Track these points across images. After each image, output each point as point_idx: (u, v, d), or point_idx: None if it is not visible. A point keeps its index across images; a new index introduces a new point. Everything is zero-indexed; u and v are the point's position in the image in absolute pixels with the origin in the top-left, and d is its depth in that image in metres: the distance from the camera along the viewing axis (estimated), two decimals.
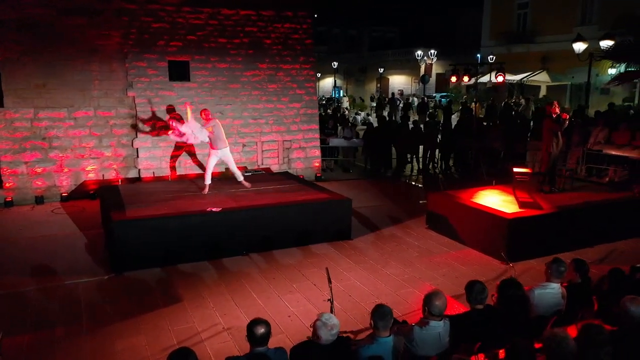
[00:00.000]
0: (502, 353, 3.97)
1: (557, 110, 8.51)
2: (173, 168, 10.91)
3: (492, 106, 19.60)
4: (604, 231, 8.05)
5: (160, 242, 6.96)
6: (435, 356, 3.78)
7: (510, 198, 8.35)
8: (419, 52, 29.60)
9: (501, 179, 10.09)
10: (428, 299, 3.81)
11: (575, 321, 4.33)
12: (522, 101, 22.15)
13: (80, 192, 10.34)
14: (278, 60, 11.65)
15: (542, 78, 27.61)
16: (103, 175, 10.46)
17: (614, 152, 11.75)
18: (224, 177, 9.97)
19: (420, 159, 13.86)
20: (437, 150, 14.15)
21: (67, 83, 10.06)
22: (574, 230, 7.75)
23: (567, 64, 27.70)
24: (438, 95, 34.40)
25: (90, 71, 10.18)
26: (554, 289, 4.41)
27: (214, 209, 7.35)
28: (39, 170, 10.11)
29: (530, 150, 12.68)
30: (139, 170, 10.70)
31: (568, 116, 8.59)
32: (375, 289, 6.42)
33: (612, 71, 25.78)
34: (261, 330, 3.35)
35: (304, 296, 6.20)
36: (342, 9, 39.95)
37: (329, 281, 5.04)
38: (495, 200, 8.28)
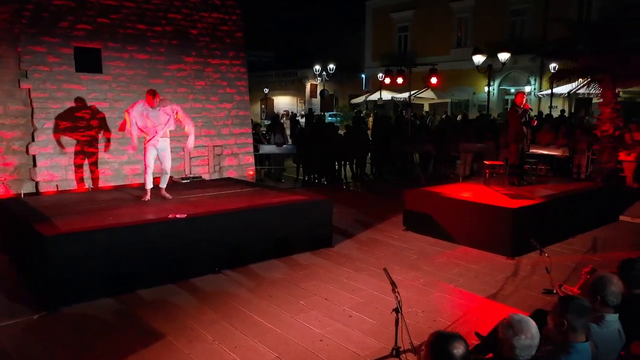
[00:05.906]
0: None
1: (524, 100, 8.29)
2: (81, 180, 8.75)
3: (400, 118, 19.85)
4: (581, 221, 7.91)
5: (107, 263, 5.15)
6: None
7: (486, 191, 7.89)
8: (317, 67, 29.31)
9: (437, 181, 9.99)
10: (601, 285, 2.85)
11: None
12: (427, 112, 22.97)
13: None
14: (206, 54, 10.14)
15: (427, 95, 29.05)
16: None
17: (541, 151, 12.15)
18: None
19: (354, 166, 13.13)
20: (368, 156, 13.56)
21: None
22: (561, 220, 7.48)
23: (447, 84, 29.63)
24: (328, 115, 34.55)
25: None
26: None
27: (178, 216, 5.70)
28: None
29: (462, 152, 12.63)
30: (37, 183, 8.39)
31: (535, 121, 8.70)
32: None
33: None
34: (460, 349, 2.10)
35: (322, 313, 4.89)
36: None
37: (393, 285, 3.90)
38: (474, 194, 7.72)
